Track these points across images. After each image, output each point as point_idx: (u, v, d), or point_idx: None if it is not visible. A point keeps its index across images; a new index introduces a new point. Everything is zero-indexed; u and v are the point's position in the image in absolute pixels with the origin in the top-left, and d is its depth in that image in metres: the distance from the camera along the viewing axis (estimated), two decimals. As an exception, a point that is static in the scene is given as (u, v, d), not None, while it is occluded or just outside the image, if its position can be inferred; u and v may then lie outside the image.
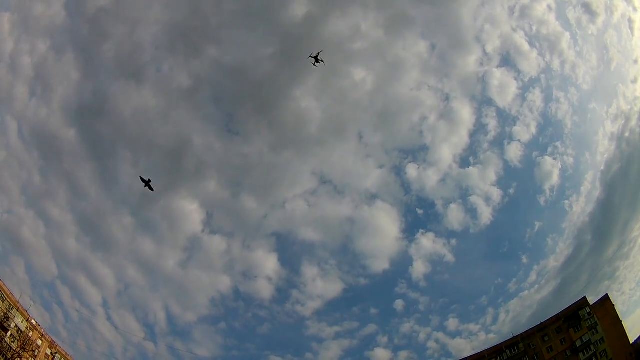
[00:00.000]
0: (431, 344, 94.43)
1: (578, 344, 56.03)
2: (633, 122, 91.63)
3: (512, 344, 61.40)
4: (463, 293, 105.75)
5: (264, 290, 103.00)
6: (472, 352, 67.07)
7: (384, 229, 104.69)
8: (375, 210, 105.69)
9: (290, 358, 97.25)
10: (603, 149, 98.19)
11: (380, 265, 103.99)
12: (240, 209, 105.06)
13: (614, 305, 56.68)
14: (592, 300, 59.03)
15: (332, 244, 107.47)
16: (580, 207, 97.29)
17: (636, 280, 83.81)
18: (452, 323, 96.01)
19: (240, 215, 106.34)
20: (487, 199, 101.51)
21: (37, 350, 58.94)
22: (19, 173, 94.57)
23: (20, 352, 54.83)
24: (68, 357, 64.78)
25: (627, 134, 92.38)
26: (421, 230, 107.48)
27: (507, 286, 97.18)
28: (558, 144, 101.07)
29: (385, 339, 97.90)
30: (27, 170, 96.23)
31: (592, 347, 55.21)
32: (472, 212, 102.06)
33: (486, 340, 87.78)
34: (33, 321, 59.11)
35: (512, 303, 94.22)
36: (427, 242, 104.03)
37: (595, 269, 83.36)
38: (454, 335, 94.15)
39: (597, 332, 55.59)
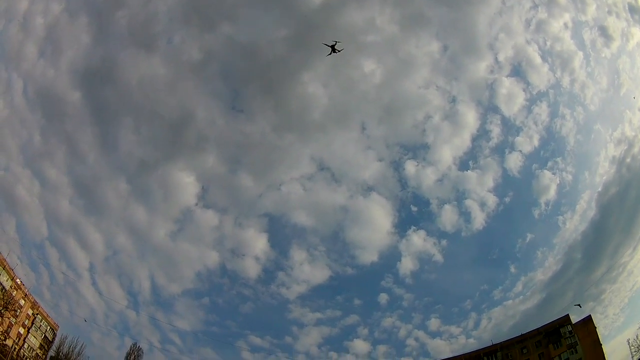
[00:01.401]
0: (410, 342, 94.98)
1: (556, 360, 56.87)
2: (636, 149, 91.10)
3: (490, 351, 62.28)
4: (448, 294, 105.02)
5: (251, 269, 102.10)
6: (451, 355, 68.33)
7: (376, 222, 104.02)
8: (370, 202, 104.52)
9: (270, 339, 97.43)
10: (603, 170, 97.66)
11: (368, 256, 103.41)
12: (236, 186, 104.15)
13: (596, 327, 56.48)
14: (574, 319, 59.16)
15: (323, 230, 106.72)
16: (574, 225, 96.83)
17: (621, 306, 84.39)
18: (433, 323, 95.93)
19: (235, 192, 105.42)
20: (482, 205, 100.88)
21: (19, 310, 58.60)
22: (20, 131, 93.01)
23: (2, 310, 54.44)
24: (49, 319, 64.69)
25: (628, 160, 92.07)
26: (413, 227, 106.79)
27: (492, 293, 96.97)
28: (559, 159, 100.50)
29: (365, 331, 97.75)
30: (28, 130, 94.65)
31: (569, 365, 55.93)
32: (465, 215, 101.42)
33: (466, 344, 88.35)
34: (18, 280, 58.59)
35: (495, 311, 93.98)
36: (417, 239, 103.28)
37: (581, 289, 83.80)
38: (434, 335, 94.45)
39: (576, 351, 55.75)
